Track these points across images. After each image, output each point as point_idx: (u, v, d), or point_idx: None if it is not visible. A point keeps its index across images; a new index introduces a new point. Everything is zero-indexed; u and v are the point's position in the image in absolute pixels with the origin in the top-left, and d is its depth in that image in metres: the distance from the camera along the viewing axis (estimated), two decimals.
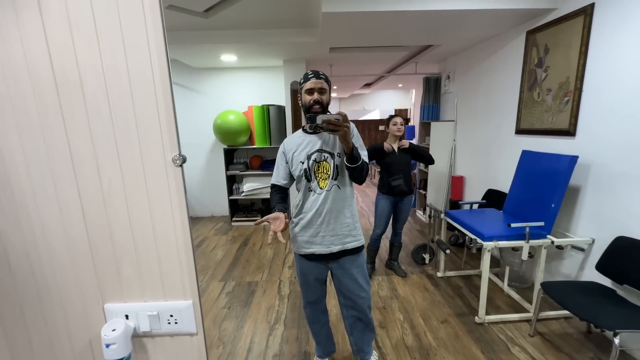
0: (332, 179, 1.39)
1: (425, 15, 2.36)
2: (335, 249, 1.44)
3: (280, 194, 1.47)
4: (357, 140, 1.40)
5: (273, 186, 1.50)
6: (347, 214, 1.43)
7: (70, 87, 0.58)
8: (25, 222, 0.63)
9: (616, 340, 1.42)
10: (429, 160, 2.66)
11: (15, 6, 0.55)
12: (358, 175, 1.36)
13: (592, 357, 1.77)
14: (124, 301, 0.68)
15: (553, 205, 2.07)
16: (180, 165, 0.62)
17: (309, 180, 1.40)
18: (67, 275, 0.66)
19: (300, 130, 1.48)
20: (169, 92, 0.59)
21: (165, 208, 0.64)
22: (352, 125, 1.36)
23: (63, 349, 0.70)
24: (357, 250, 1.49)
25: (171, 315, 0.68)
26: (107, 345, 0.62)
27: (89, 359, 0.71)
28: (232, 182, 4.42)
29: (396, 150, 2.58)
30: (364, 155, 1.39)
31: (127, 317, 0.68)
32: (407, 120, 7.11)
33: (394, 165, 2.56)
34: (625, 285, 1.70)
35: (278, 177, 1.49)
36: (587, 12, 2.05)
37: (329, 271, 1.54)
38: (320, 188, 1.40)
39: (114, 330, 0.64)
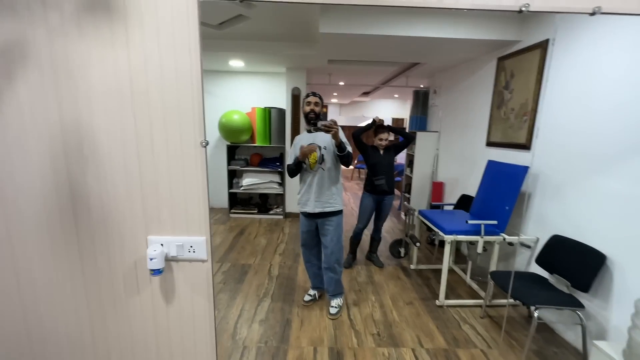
0: (318, 163, 2.12)
1: (408, 40, 2.74)
2: (317, 210, 2.14)
3: None
4: (344, 138, 2.05)
5: (289, 165, 2.19)
6: (327, 187, 2.13)
7: (140, 96, 0.94)
8: (102, 180, 0.98)
9: (535, 314, 1.77)
10: (409, 137, 3.04)
11: (113, 43, 0.91)
12: (345, 160, 2.05)
13: (525, 334, 2.12)
14: (161, 235, 1.03)
15: (507, 208, 2.43)
16: (204, 147, 0.97)
17: (304, 162, 2.14)
18: (125, 215, 1.01)
19: (305, 131, 2.24)
20: (201, 100, 0.94)
21: (192, 174, 0.99)
22: (340, 130, 2.04)
23: (117, 266, 1.05)
24: (332, 214, 2.16)
25: (191, 246, 1.03)
26: (151, 259, 0.97)
27: (133, 275, 1.06)
28: (233, 176, 4.77)
29: (381, 151, 2.94)
30: (348, 147, 2.05)
31: (162, 245, 1.03)
32: (402, 130, 7.46)
33: (378, 166, 2.92)
34: (555, 275, 2.05)
35: (292, 160, 2.18)
36: (542, 46, 2.43)
37: (316, 226, 2.22)
38: (311, 168, 2.13)
39: (155, 250, 0.99)
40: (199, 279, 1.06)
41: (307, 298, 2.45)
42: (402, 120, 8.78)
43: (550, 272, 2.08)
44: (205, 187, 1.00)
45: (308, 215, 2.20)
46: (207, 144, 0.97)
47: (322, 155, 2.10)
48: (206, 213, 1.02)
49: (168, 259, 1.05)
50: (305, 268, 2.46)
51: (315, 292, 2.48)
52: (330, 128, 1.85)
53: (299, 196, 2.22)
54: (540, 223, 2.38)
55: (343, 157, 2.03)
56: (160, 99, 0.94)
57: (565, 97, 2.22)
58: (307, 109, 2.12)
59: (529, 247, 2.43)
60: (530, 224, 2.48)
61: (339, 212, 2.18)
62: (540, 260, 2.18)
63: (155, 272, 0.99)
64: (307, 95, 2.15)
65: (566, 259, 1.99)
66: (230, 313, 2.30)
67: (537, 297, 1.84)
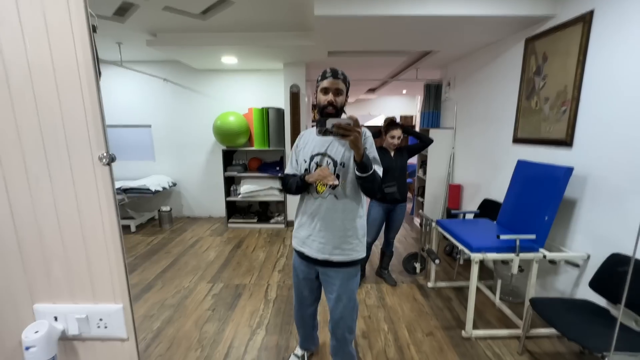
0: (329, 187, 1.34)
1: (420, 20, 2.33)
2: (320, 256, 1.39)
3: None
4: (372, 151, 1.33)
5: (287, 175, 1.46)
6: (340, 227, 1.36)
7: None
8: None
9: None
10: (427, 141, 2.60)
11: None
12: (369, 186, 1.28)
13: None
14: (54, 302, 0.67)
15: (546, 218, 1.99)
16: (108, 164, 0.60)
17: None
18: None
19: (314, 129, 1.36)
20: (95, 88, 0.57)
21: (93, 208, 0.62)
22: (368, 132, 1.35)
23: None
24: (343, 265, 1.40)
25: (101, 319, 0.66)
26: (27, 348, 0.61)
27: None
28: (230, 183, 4.42)
29: (392, 153, 2.53)
30: (377, 168, 1.30)
31: (56, 319, 0.66)
32: (412, 128, 7.02)
33: (389, 171, 2.50)
34: (619, 305, 1.61)
35: (293, 168, 1.46)
36: (585, 20, 1.99)
37: (318, 274, 1.50)
38: (317, 193, 1.37)
39: (36, 332, 0.62)
40: None
41: None
42: (411, 117, 8.33)
43: (613, 301, 1.65)
44: (115, 226, 0.63)
45: (307, 259, 1.44)
46: (111, 159, 0.60)
47: (338, 175, 1.33)
48: (121, 268, 0.65)
49: (68, 338, 0.68)
50: (296, 326, 1.76)
51: (304, 352, 1.82)
52: (348, 131, 1.12)
53: (296, 226, 1.47)
54: (591, 237, 1.94)
55: (365, 181, 1.25)
56: (30, 91, 0.57)
57: (619, 81, 1.78)
58: (323, 99, 1.30)
59: (577, 265, 1.99)
60: (577, 238, 2.04)
61: (355, 262, 1.41)
62: (595, 285, 1.75)
63: None
64: (324, 76, 1.31)
65: (635, 286, 1.55)
66: (216, 352, 1.93)
67: (605, 340, 1.41)
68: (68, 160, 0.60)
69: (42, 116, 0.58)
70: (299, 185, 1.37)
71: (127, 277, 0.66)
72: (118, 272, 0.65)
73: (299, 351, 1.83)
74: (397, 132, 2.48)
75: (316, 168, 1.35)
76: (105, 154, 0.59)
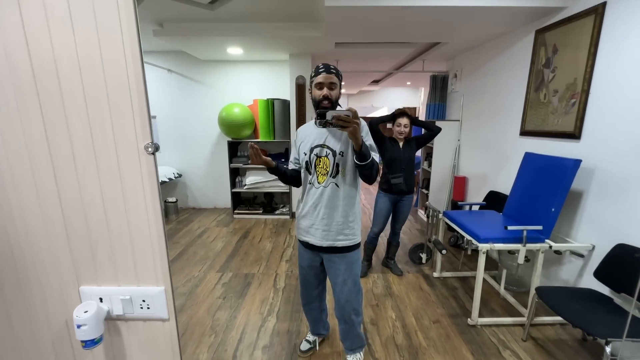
0: (330, 176, 1.41)
1: (431, 11, 2.32)
2: (325, 243, 1.48)
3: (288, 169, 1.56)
4: (367, 139, 1.39)
5: (285, 171, 1.56)
6: (342, 213, 1.45)
7: (47, 74, 0.59)
8: (4, 205, 0.65)
9: (607, 349, 1.40)
10: (435, 129, 2.62)
11: None
12: (368, 173, 1.34)
13: None
14: (99, 284, 0.70)
15: (553, 210, 2.03)
16: (153, 154, 0.63)
17: (309, 172, 1.45)
18: (44, 257, 0.68)
19: (313, 121, 1.49)
20: (142, 81, 0.59)
21: (137, 195, 0.65)
22: (364, 123, 1.39)
23: (41, 328, 0.73)
24: (346, 249, 1.50)
25: (143, 301, 0.70)
26: (79, 326, 0.64)
27: (65, 339, 0.74)
28: (236, 174, 4.46)
29: (400, 144, 2.56)
30: (375, 154, 1.38)
31: (101, 300, 0.70)
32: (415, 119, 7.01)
33: (396, 162, 2.53)
34: (623, 294, 1.66)
35: (293, 164, 1.56)
36: (598, 12, 1.98)
37: (322, 260, 1.58)
38: (318, 183, 1.43)
39: (86, 312, 0.66)
40: (159, 345, 0.74)
41: (304, 346, 1.85)
42: (415, 109, 8.31)
43: (617, 290, 1.70)
44: (159, 212, 0.66)
45: (311, 247, 1.53)
46: (156, 149, 0.62)
47: (337, 164, 1.40)
48: (163, 252, 0.68)
49: (112, 318, 0.72)
50: (304, 312, 1.83)
51: (316, 338, 1.89)
52: (347, 123, 1.17)
53: (298, 217, 1.55)
54: (596, 228, 1.98)
55: (364, 169, 1.31)
56: (78, 81, 0.60)
57: (630, 74, 1.79)
58: (318, 94, 1.37)
59: (581, 255, 2.04)
60: (582, 229, 2.08)
61: (356, 246, 1.52)
62: (600, 275, 1.79)
63: (89, 343, 0.66)
64: (317, 72, 1.38)
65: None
66: (229, 337, 1.99)
67: (609, 327, 1.46)
68: (115, 150, 0.63)
69: (90, 107, 0.61)
70: (279, 173, 1.50)
71: (169, 261, 0.69)
72: (160, 257, 0.68)
73: (310, 336, 1.89)
74: (404, 121, 2.52)
75: (316, 159, 1.42)
76: (150, 144, 0.62)
